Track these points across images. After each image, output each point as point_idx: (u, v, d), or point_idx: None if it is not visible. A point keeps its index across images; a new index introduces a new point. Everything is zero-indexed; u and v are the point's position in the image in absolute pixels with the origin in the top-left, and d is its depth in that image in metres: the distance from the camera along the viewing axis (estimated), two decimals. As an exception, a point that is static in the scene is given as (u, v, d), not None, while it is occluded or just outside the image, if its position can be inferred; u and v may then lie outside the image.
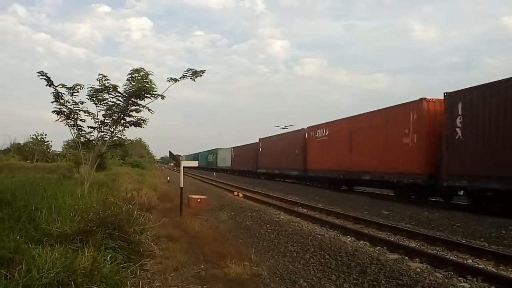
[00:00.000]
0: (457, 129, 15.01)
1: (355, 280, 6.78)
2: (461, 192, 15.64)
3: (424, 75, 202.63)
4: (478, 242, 10.26)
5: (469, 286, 6.41)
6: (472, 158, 14.39)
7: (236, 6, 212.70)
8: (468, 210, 14.44)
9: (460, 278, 6.85)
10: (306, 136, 31.07)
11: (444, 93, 15.83)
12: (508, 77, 13.24)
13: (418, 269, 7.21)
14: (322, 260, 8.07)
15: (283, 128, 62.60)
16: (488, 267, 7.81)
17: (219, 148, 67.19)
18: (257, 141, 44.63)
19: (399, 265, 7.44)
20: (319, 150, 28.13)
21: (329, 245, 9.02)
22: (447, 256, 8.64)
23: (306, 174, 30.50)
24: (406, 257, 8.32)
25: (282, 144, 36.69)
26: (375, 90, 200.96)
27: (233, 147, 57.43)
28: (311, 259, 8.17)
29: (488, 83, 14.10)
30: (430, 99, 17.26)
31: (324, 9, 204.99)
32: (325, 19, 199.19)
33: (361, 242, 9.91)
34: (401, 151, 18.31)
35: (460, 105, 14.95)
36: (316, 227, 11.84)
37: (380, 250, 8.98)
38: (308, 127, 30.98)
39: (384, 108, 20.38)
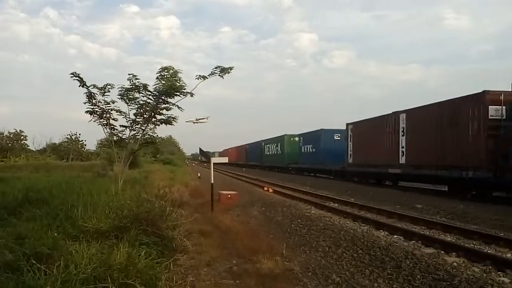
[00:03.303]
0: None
1: (390, 275, 6.68)
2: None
3: (457, 64, 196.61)
4: (517, 235, 9.91)
5: (509, 281, 6.18)
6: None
7: (263, 0, 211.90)
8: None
9: (499, 273, 6.62)
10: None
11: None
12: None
13: (455, 264, 7.05)
14: (355, 255, 7.98)
15: (195, 122, 62.97)
16: (529, 261, 7.52)
17: (215, 151, 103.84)
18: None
19: (434, 259, 7.28)
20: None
21: (362, 240, 8.91)
22: (485, 250, 8.38)
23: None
24: (442, 251, 8.11)
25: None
26: (407, 81, 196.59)
27: (219, 151, 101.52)
28: (344, 254, 8.09)
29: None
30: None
31: (352, 0, 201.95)
32: (353, 10, 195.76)
33: (395, 236, 9.74)
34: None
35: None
36: (348, 222, 11.72)
37: (414, 245, 8.79)
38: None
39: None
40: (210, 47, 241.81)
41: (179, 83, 11.08)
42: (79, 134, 61.56)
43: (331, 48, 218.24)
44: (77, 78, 10.72)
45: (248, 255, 7.31)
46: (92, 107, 11.32)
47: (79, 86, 10.87)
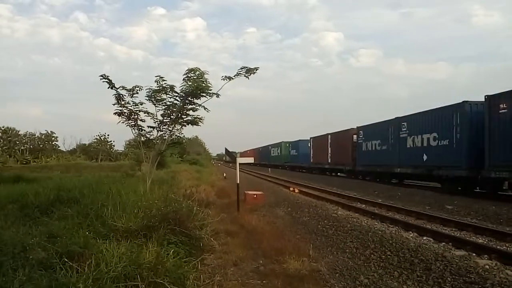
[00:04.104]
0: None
1: (419, 278, 6.56)
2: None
3: (488, 62, 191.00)
4: (554, 238, 9.57)
5: (545, 285, 5.99)
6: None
7: (288, 0, 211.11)
8: None
9: (534, 277, 6.42)
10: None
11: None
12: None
13: (487, 266, 6.86)
14: (383, 256, 7.87)
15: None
16: None
17: (238, 152, 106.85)
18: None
19: (466, 262, 7.11)
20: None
21: (390, 241, 8.78)
22: (519, 253, 8.12)
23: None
24: (473, 254, 7.91)
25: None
26: (436, 80, 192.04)
27: (240, 152, 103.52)
28: (372, 256, 8.00)
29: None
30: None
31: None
32: (380, 9, 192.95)
33: (424, 238, 9.55)
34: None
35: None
36: (376, 223, 11.56)
37: (445, 247, 8.60)
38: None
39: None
40: (236, 47, 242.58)
41: (205, 84, 11.14)
42: (108, 135, 63.06)
43: (357, 47, 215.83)
44: (106, 80, 10.91)
45: (274, 255, 7.31)
46: (120, 108, 11.52)
47: (108, 88, 11.08)
